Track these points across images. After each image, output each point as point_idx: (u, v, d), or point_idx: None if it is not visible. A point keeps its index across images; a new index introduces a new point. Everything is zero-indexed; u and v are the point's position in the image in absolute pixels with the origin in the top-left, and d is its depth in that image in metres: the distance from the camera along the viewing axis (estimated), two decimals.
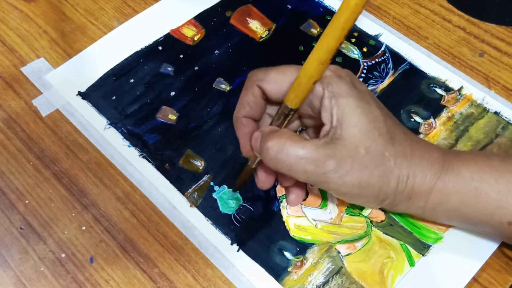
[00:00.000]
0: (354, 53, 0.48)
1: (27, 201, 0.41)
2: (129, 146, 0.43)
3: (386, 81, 0.47)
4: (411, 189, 0.35)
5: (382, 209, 0.40)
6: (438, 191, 0.35)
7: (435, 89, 0.46)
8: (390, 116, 0.35)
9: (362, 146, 0.33)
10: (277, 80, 0.35)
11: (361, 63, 0.48)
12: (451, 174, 0.35)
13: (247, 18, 0.51)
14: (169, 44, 0.49)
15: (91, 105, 0.45)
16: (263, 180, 0.37)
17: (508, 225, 0.34)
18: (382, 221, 0.39)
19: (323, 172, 0.33)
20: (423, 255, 0.38)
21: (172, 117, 0.45)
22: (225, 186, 0.41)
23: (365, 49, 0.48)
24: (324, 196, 0.40)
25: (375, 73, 0.47)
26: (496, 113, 0.44)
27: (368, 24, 0.50)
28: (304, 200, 0.40)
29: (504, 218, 0.34)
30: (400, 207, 0.36)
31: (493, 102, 0.45)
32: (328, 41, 0.30)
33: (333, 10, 0.51)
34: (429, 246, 0.38)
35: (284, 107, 0.34)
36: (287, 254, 0.38)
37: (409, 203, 0.35)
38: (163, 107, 0.45)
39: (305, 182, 0.38)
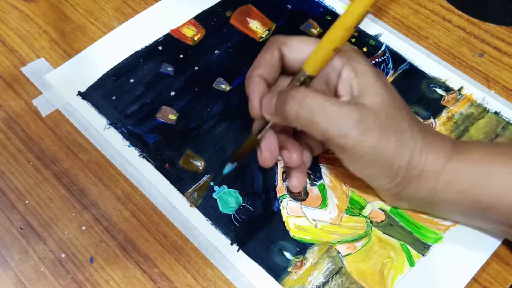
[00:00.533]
0: None
1: (27, 201, 0.41)
2: (129, 146, 0.43)
3: None
4: (423, 166, 0.35)
5: (382, 209, 0.40)
6: (449, 172, 0.35)
7: (435, 89, 0.46)
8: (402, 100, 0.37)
9: (383, 111, 0.34)
10: (298, 48, 0.35)
11: None
12: (462, 155, 0.35)
13: (247, 18, 0.51)
14: (169, 44, 0.49)
15: (91, 105, 0.45)
16: (266, 156, 0.37)
17: None
18: (382, 221, 0.39)
19: (345, 125, 0.33)
20: (423, 255, 0.38)
21: (172, 117, 0.45)
22: (225, 186, 0.41)
23: (365, 49, 0.48)
24: (324, 196, 0.41)
25: None
26: (496, 113, 0.44)
27: (368, 24, 0.50)
28: (304, 200, 0.40)
29: None
30: (410, 189, 0.36)
31: (493, 102, 0.45)
32: (355, 7, 0.30)
33: (333, 10, 0.51)
34: (429, 246, 0.38)
35: (301, 74, 0.34)
36: (287, 254, 0.38)
37: (419, 182, 0.35)
38: (163, 107, 0.45)
39: (305, 166, 0.39)
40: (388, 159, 0.34)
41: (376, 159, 0.34)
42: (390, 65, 0.47)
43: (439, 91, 0.46)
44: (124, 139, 0.44)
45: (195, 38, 0.50)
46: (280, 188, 0.41)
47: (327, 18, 0.51)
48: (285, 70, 0.36)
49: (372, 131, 0.33)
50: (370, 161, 0.34)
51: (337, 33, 0.32)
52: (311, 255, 0.38)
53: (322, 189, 0.41)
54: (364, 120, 0.33)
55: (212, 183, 0.41)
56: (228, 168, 0.40)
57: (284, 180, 0.41)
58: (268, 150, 0.37)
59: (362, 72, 0.34)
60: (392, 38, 0.49)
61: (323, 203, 0.40)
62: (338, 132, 0.33)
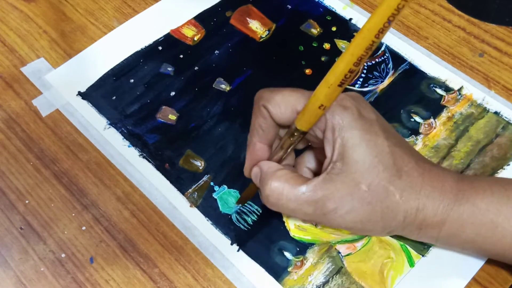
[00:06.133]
0: None
1: (27, 201, 0.41)
2: (129, 146, 0.43)
3: (386, 81, 0.47)
4: (422, 220, 0.33)
5: None
6: (452, 222, 0.33)
7: (435, 89, 0.46)
8: (401, 145, 0.34)
9: (364, 183, 0.32)
10: (280, 104, 0.34)
11: None
12: (465, 205, 0.33)
13: (247, 18, 0.51)
14: (169, 44, 0.49)
15: (91, 105, 0.45)
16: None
17: None
18: None
19: (323, 214, 0.33)
20: (423, 256, 0.38)
21: (172, 117, 0.45)
22: (225, 186, 0.41)
23: None
24: None
25: (375, 73, 0.47)
26: (496, 113, 0.44)
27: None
28: None
29: None
30: (410, 236, 0.35)
31: (493, 102, 0.45)
32: (338, 64, 0.28)
33: (333, 10, 0.51)
34: (429, 247, 0.38)
35: (294, 130, 0.33)
36: (287, 254, 0.38)
37: (420, 233, 0.35)
38: (163, 107, 0.45)
39: None
40: (377, 224, 0.33)
41: (364, 227, 0.34)
42: (390, 65, 0.47)
43: (439, 91, 0.46)
44: (124, 139, 0.44)
45: (195, 38, 0.50)
46: None
47: (327, 18, 0.51)
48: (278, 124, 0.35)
49: (352, 211, 0.32)
50: (359, 229, 0.34)
51: (322, 90, 0.30)
52: (311, 255, 0.38)
53: None
54: (342, 204, 0.32)
55: (212, 183, 0.41)
56: (234, 208, 0.40)
57: None
58: None
59: (344, 133, 0.32)
60: (392, 38, 0.49)
61: None
62: (319, 219, 0.34)
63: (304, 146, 0.38)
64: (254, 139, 0.36)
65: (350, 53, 0.27)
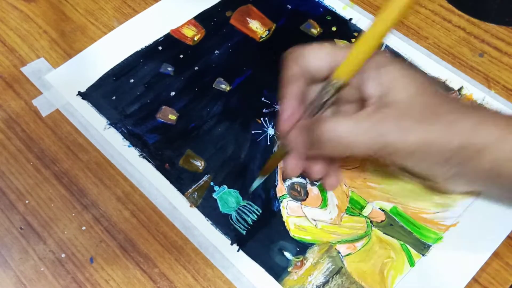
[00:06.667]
0: None
1: (27, 201, 0.41)
2: (129, 146, 0.43)
3: None
4: (481, 140, 0.33)
5: (382, 209, 0.40)
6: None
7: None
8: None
9: (417, 103, 0.33)
10: (315, 55, 0.35)
11: None
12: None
13: (247, 18, 0.51)
14: (169, 44, 0.49)
15: (91, 105, 0.45)
16: (292, 167, 0.37)
17: None
18: (382, 221, 0.39)
19: (383, 137, 0.32)
20: (423, 255, 0.38)
21: (172, 117, 0.45)
22: (225, 186, 0.41)
23: None
24: (324, 196, 0.41)
25: None
26: None
27: (368, 24, 0.50)
28: (304, 200, 0.40)
29: None
30: (470, 165, 0.34)
31: (493, 102, 0.45)
32: (382, 17, 0.30)
33: (333, 10, 0.51)
34: (429, 246, 0.38)
35: (334, 83, 0.34)
36: (287, 254, 0.38)
37: (479, 158, 0.33)
38: (163, 107, 0.45)
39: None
40: (438, 147, 0.33)
41: (426, 150, 0.33)
42: None
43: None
44: (124, 139, 0.44)
45: (195, 38, 0.50)
46: (280, 188, 0.41)
47: (327, 18, 0.51)
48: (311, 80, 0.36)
49: (412, 129, 0.32)
50: (421, 154, 0.33)
51: (372, 43, 0.31)
52: (311, 255, 0.38)
53: (322, 189, 0.41)
54: (401, 120, 0.32)
55: (212, 183, 0.41)
56: (256, 183, 0.39)
57: (284, 180, 0.41)
58: (294, 163, 0.37)
59: (388, 67, 0.34)
60: (392, 38, 0.49)
61: (323, 203, 0.40)
62: (380, 146, 0.33)
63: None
64: (285, 92, 0.36)
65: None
